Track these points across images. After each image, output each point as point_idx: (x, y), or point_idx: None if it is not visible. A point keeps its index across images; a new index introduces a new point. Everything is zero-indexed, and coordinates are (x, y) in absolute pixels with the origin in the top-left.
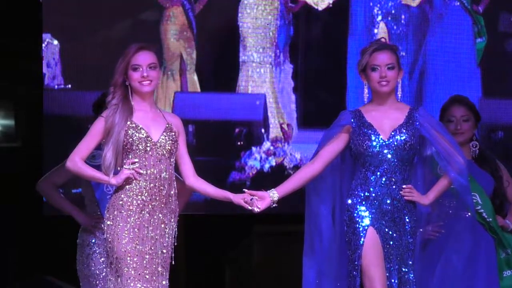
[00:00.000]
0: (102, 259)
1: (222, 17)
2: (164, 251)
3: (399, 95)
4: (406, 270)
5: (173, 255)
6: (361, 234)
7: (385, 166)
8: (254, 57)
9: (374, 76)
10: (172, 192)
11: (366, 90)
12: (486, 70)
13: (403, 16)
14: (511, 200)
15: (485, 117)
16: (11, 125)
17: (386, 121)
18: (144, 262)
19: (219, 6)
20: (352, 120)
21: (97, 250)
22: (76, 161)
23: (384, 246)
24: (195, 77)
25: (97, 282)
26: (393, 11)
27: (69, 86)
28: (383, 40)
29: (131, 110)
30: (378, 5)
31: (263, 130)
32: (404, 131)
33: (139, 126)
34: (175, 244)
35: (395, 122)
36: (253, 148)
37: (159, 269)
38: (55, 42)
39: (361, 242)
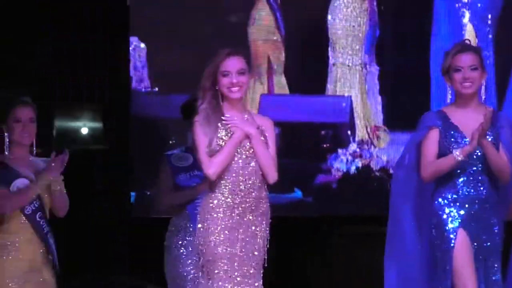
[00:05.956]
0: (189, 260)
1: (311, 19)
2: (256, 253)
3: (482, 97)
4: (494, 272)
5: (265, 257)
6: (451, 236)
7: (472, 168)
8: (343, 59)
9: (457, 78)
10: (263, 194)
11: (449, 93)
12: None
13: (489, 16)
14: None
15: None
16: (99, 128)
17: (471, 123)
18: (235, 264)
19: (308, 8)
20: (438, 121)
21: (184, 252)
22: (214, 173)
23: (473, 248)
24: (283, 80)
25: (185, 284)
26: (480, 12)
27: (156, 89)
28: (467, 41)
29: (222, 114)
30: (465, 6)
31: (349, 132)
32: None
33: (228, 130)
34: (268, 246)
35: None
36: (339, 150)
37: (251, 271)
38: (142, 45)
39: (452, 245)
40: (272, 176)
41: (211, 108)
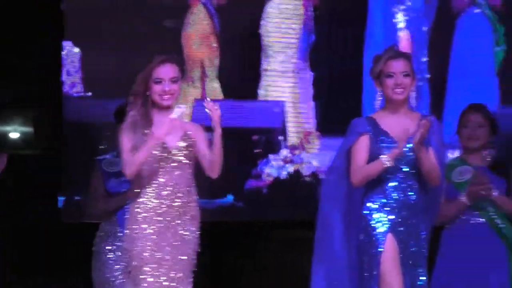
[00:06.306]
0: (117, 266)
1: (245, 24)
2: (185, 257)
3: (412, 103)
4: (420, 276)
5: (195, 261)
6: (380, 241)
7: (402, 174)
8: (276, 65)
9: (389, 83)
10: (191, 199)
11: (379, 98)
12: (505, 79)
13: (424, 23)
14: None
15: (504, 126)
16: (30, 133)
17: (401, 129)
18: (162, 269)
19: (243, 13)
20: (368, 127)
21: (112, 257)
22: (130, 172)
23: (401, 253)
24: (217, 84)
25: None
26: (415, 18)
27: (89, 94)
28: (396, 47)
29: (150, 121)
30: (401, 12)
31: (281, 138)
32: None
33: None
34: (199, 250)
35: (409, 131)
36: (271, 156)
37: (179, 275)
38: (76, 49)
39: (380, 250)
40: (217, 173)
41: (140, 115)
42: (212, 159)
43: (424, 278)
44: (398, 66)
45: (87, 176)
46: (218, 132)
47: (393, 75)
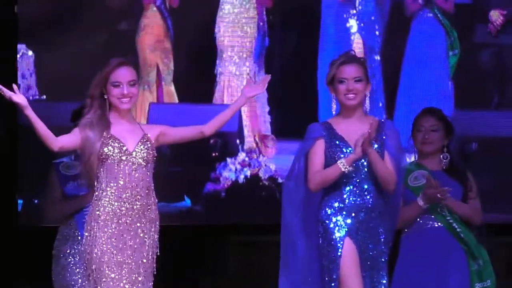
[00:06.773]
0: (78, 270)
1: (199, 28)
2: (145, 260)
3: (367, 108)
4: (380, 280)
5: (155, 264)
6: (338, 245)
7: (358, 178)
8: (231, 68)
9: (341, 89)
10: (150, 201)
11: (334, 102)
12: (459, 83)
13: (376, 27)
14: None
15: (458, 129)
16: None
17: (355, 133)
18: (123, 272)
19: (196, 16)
20: (323, 132)
21: (72, 260)
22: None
23: (360, 256)
24: (173, 88)
25: None
26: (367, 23)
27: (44, 97)
28: (352, 52)
29: (107, 123)
30: (353, 17)
31: (238, 141)
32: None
33: (114, 136)
34: (158, 253)
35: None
36: (228, 159)
37: (140, 278)
38: (30, 53)
39: (339, 254)
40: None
41: (96, 118)
42: (221, 120)
43: (385, 281)
44: (350, 71)
45: (45, 179)
46: (242, 103)
47: (344, 81)
